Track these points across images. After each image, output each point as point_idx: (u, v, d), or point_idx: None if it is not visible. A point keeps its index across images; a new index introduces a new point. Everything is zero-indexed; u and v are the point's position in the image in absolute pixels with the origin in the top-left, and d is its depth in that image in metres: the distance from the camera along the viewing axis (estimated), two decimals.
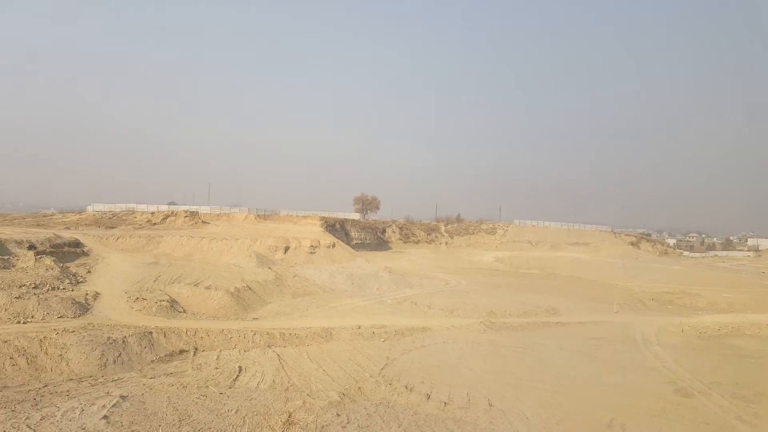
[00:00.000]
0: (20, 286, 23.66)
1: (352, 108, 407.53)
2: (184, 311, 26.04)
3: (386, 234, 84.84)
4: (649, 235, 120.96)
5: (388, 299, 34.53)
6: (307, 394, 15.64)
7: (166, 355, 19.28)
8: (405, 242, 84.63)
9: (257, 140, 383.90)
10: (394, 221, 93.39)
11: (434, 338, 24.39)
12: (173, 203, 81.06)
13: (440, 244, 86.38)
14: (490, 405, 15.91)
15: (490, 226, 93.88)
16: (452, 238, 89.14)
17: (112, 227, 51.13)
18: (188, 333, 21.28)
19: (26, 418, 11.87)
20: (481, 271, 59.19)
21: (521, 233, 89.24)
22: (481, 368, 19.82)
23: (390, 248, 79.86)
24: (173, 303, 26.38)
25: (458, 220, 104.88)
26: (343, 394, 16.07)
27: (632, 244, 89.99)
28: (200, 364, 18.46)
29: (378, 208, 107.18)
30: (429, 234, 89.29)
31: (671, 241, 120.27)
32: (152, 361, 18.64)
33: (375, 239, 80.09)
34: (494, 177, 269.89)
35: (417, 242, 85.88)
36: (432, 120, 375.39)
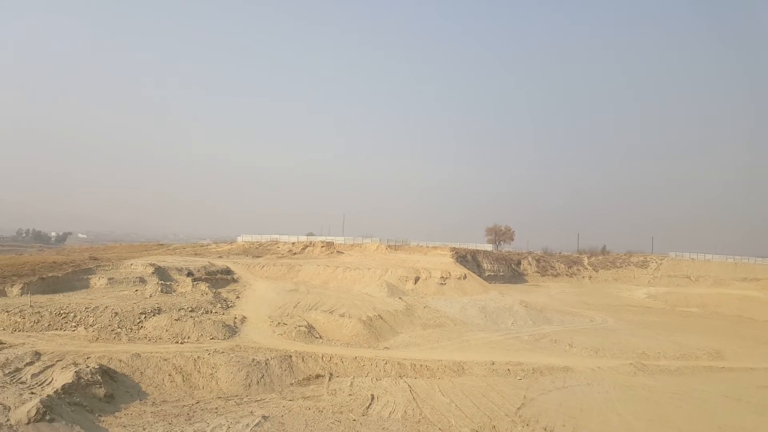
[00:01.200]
0: (179, 309, 26.43)
1: (492, 141, 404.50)
2: (320, 337, 26.85)
3: (521, 266, 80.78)
4: None
5: (524, 335, 32.35)
6: (440, 429, 15.02)
7: (303, 379, 19.83)
8: (542, 275, 79.72)
9: (390, 173, 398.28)
10: (530, 253, 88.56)
11: (577, 379, 22.27)
12: (311, 234, 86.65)
13: (583, 277, 79.88)
14: None
15: (641, 258, 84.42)
16: (597, 271, 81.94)
17: (258, 256, 55.69)
18: (324, 358, 21.79)
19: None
20: (631, 308, 53.51)
21: (678, 267, 78.96)
22: (630, 414, 17.71)
23: (525, 281, 75.83)
24: (311, 329, 27.38)
25: (604, 252, 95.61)
26: None
27: None
28: (335, 390, 18.67)
29: (512, 239, 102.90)
30: (570, 267, 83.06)
31: None
32: (291, 384, 19.25)
33: (509, 271, 76.62)
34: (646, 205, 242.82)
35: (556, 275, 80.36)
36: (569, 149, 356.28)
